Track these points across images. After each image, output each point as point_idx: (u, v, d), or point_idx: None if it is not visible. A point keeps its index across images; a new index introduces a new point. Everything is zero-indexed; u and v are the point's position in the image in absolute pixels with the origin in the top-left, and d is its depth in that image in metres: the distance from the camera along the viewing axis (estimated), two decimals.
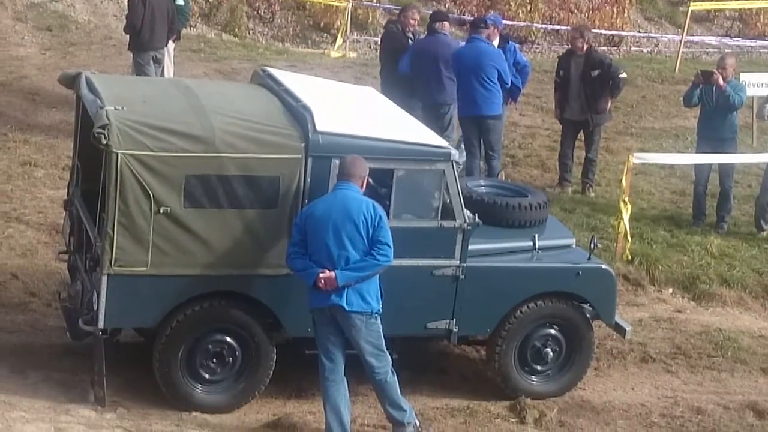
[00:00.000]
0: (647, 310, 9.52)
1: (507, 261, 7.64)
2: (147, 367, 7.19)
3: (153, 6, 11.95)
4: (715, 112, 10.76)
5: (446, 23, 11.59)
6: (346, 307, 6.69)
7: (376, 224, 6.67)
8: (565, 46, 15.06)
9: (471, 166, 10.96)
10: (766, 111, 10.55)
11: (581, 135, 11.65)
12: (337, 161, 7.01)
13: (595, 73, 11.25)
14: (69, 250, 7.90)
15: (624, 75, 11.54)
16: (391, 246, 6.68)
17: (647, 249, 10.32)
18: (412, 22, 11.76)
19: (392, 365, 6.91)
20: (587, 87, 11.30)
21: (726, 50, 18.54)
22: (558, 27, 18.43)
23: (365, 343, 6.79)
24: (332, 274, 6.65)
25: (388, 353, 6.88)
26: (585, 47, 11.39)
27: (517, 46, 12.06)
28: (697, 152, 11.15)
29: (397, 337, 7.48)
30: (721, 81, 10.57)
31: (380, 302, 6.82)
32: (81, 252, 7.50)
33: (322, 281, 6.65)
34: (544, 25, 18.24)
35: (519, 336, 7.64)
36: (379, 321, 6.83)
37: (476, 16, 11.55)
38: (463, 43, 11.37)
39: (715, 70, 10.73)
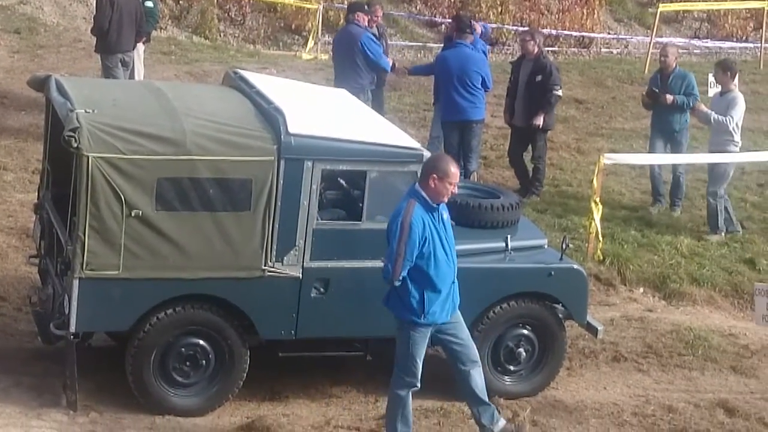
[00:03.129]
0: (618, 310, 9.58)
1: (479, 262, 7.66)
2: (119, 371, 7.15)
3: (121, 8, 11.88)
4: (666, 106, 11.10)
5: (360, 14, 11.66)
6: (383, 302, 6.75)
7: (388, 237, 6.60)
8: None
9: None
10: (712, 116, 10.73)
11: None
12: (309, 163, 7.01)
13: (538, 78, 11.21)
14: (40, 254, 7.85)
15: (559, 93, 11.31)
16: (388, 265, 6.50)
17: (618, 249, 10.40)
18: (375, 19, 11.93)
19: (406, 387, 6.75)
20: (530, 92, 11.25)
21: (694, 51, 18.73)
22: (528, 29, 18.50)
23: (399, 344, 6.74)
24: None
25: (413, 373, 6.71)
26: (536, 51, 11.35)
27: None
28: (650, 143, 11.56)
29: (371, 338, 7.50)
30: (669, 98, 11.03)
31: (421, 316, 6.61)
32: (52, 256, 7.45)
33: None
34: (515, 27, 18.32)
35: (492, 336, 7.67)
36: (416, 334, 6.64)
37: (461, 18, 11.56)
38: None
39: (657, 91, 11.15)
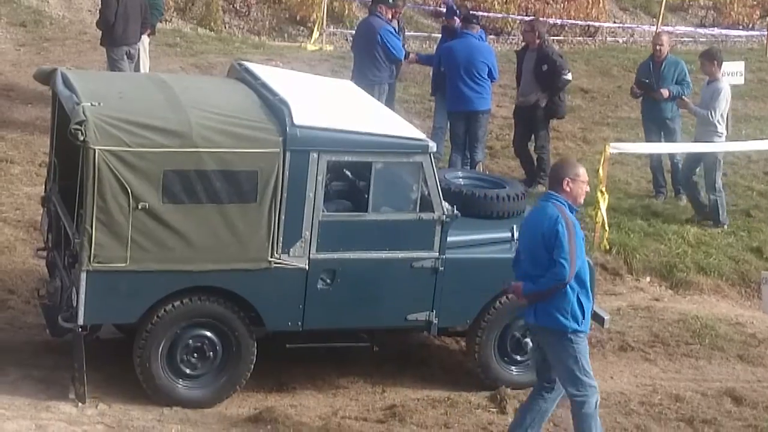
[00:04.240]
0: (625, 299, 9.59)
1: (486, 252, 7.67)
2: (128, 362, 7.17)
3: (126, 1, 11.89)
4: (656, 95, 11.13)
5: (384, 6, 11.62)
6: (533, 321, 6.54)
7: (552, 242, 6.40)
8: None
9: (456, 159, 11.08)
10: (695, 110, 10.74)
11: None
12: (315, 155, 7.02)
13: (545, 67, 11.20)
14: (47, 246, 7.87)
15: (569, 77, 11.31)
16: (566, 265, 6.34)
17: (625, 238, 10.39)
18: (399, 12, 11.96)
19: (592, 398, 6.55)
20: (539, 82, 11.26)
21: (700, 39, 18.67)
22: (530, 20, 18.46)
23: (558, 362, 6.54)
24: (520, 284, 6.55)
25: (591, 380, 6.56)
26: (538, 41, 11.34)
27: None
28: (645, 133, 11.56)
29: (378, 329, 7.52)
30: (665, 93, 11.04)
31: (581, 323, 6.49)
32: (59, 249, 7.47)
33: (512, 290, 6.69)
34: (520, 17, 18.28)
35: (498, 326, 7.68)
36: (579, 343, 6.50)
37: (466, 9, 11.62)
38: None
39: (648, 82, 11.19)
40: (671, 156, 11.41)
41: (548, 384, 6.71)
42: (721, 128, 10.80)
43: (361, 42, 11.70)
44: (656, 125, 11.29)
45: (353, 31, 15.25)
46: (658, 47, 11.32)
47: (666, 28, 17.68)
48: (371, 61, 11.36)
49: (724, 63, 11.30)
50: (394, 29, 11.72)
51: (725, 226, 10.90)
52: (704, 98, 10.87)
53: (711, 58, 10.92)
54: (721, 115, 10.76)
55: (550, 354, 6.58)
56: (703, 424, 7.59)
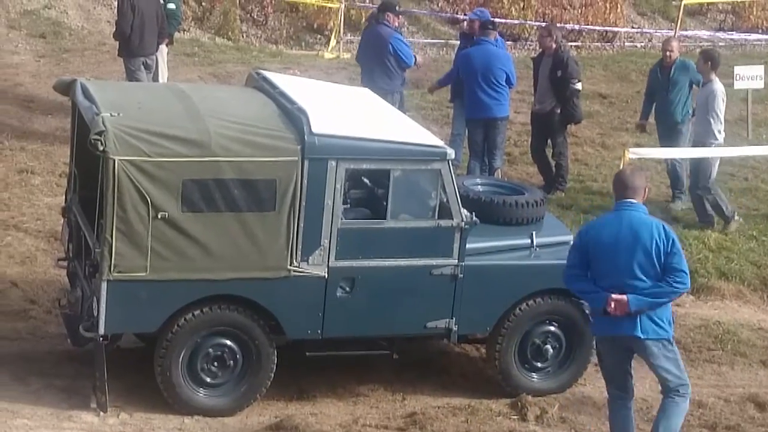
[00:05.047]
0: None
1: (505, 259, 7.65)
2: (148, 372, 7.19)
3: (142, 12, 11.94)
4: (667, 98, 11.11)
5: (391, 14, 11.61)
6: (642, 336, 6.37)
7: (669, 250, 6.29)
8: None
9: (474, 166, 11.07)
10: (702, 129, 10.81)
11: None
12: (333, 163, 7.03)
13: (559, 73, 11.17)
14: (68, 256, 7.91)
15: (578, 86, 11.26)
16: (687, 272, 6.33)
17: None
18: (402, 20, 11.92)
19: (688, 396, 6.63)
20: (554, 88, 11.23)
21: (719, 44, 18.58)
22: (546, 25, 18.43)
23: (664, 370, 6.51)
24: (624, 297, 6.30)
25: (687, 379, 6.64)
26: (554, 47, 11.32)
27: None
28: (658, 137, 11.53)
29: (397, 336, 7.51)
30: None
31: (672, 326, 6.54)
32: (80, 258, 7.51)
33: (612, 305, 6.32)
34: (537, 23, 18.26)
35: (519, 333, 7.65)
36: (674, 346, 6.59)
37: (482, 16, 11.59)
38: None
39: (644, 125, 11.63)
40: (672, 162, 11.33)
41: (624, 393, 6.67)
42: (720, 128, 10.72)
43: (370, 51, 11.60)
44: (667, 130, 11.25)
45: None
46: (668, 53, 11.27)
47: (685, 33, 17.64)
48: (383, 70, 11.30)
49: (740, 67, 11.27)
50: (403, 36, 11.70)
51: (735, 216, 10.83)
52: (700, 102, 10.86)
53: (706, 58, 10.88)
54: (718, 116, 10.70)
55: (653, 363, 6.50)
56: (726, 430, 7.54)
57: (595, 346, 7.10)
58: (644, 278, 6.33)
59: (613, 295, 6.35)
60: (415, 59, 11.92)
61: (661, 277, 6.34)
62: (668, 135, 11.29)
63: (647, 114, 11.66)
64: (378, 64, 11.36)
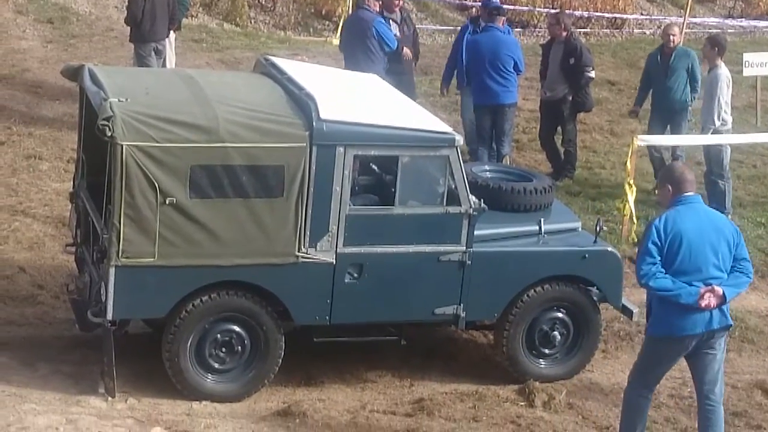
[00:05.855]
0: None
1: (513, 245, 7.64)
2: (156, 357, 7.21)
3: None
4: (665, 84, 11.06)
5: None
6: (731, 323, 6.46)
7: (738, 241, 6.38)
8: None
9: (483, 153, 11.05)
10: (706, 121, 10.71)
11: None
12: (341, 149, 7.02)
13: (572, 61, 11.15)
14: (76, 242, 7.92)
15: (592, 74, 11.28)
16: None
17: None
18: (398, 3, 11.74)
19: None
20: (565, 75, 11.21)
21: (728, 30, 18.50)
22: (555, 13, 18.35)
23: (720, 362, 6.50)
24: (719, 289, 6.25)
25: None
26: (564, 34, 11.28)
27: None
28: (649, 124, 11.48)
29: (405, 323, 7.52)
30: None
31: None
32: (88, 244, 7.52)
33: (709, 298, 6.22)
34: (546, 9, 18.19)
35: (526, 320, 7.65)
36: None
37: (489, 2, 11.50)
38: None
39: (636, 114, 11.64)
40: (673, 150, 11.27)
41: (651, 393, 6.67)
42: (722, 113, 10.65)
43: (352, 37, 11.46)
44: (664, 118, 11.19)
45: None
46: (671, 37, 11.20)
47: (693, 20, 17.55)
48: (365, 54, 11.15)
49: (750, 54, 11.18)
50: (386, 20, 11.60)
51: (728, 216, 10.81)
52: (705, 87, 10.81)
53: (713, 43, 10.82)
54: (726, 102, 10.65)
55: (717, 357, 6.47)
56: (733, 416, 7.53)
57: (650, 350, 6.59)
58: (724, 270, 6.36)
59: (713, 287, 6.25)
60: (400, 46, 11.76)
61: (730, 267, 6.39)
62: (665, 122, 11.21)
63: (642, 101, 11.60)
64: (361, 49, 11.20)
